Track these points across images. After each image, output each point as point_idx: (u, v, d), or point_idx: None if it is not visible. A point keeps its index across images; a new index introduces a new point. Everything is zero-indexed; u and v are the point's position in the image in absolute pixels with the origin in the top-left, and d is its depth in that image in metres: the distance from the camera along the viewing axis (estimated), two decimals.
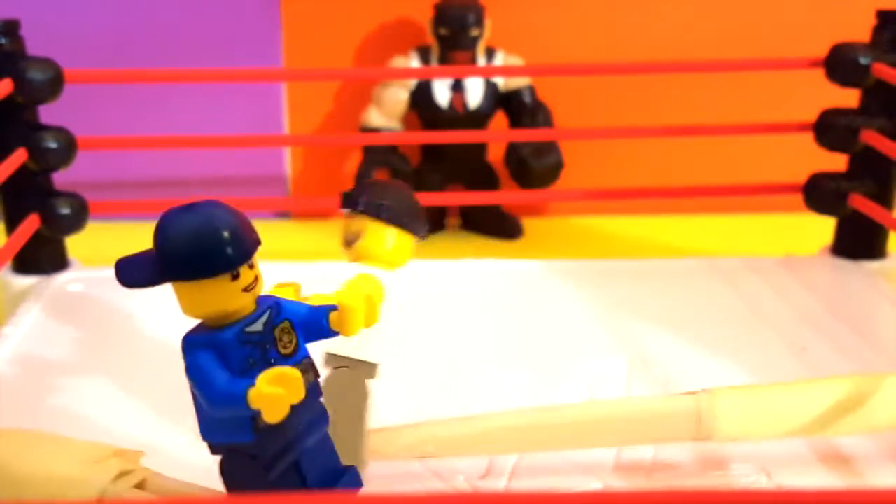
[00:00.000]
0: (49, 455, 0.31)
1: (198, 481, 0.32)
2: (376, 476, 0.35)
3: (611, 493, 0.20)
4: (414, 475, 0.36)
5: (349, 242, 0.33)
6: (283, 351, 0.29)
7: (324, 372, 0.32)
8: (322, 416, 0.31)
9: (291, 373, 0.27)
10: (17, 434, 0.32)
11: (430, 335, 0.46)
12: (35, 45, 0.50)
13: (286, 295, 0.31)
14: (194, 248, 0.27)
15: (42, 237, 0.51)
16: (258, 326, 0.29)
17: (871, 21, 0.53)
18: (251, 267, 0.28)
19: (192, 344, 0.28)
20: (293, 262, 0.55)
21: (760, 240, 0.64)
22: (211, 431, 0.29)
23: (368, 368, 0.33)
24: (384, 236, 0.33)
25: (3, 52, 0.48)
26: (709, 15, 0.66)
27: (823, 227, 0.56)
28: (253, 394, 0.27)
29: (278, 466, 0.29)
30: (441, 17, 0.62)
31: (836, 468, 0.37)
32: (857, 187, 0.53)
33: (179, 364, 0.44)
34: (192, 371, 0.28)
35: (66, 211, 0.51)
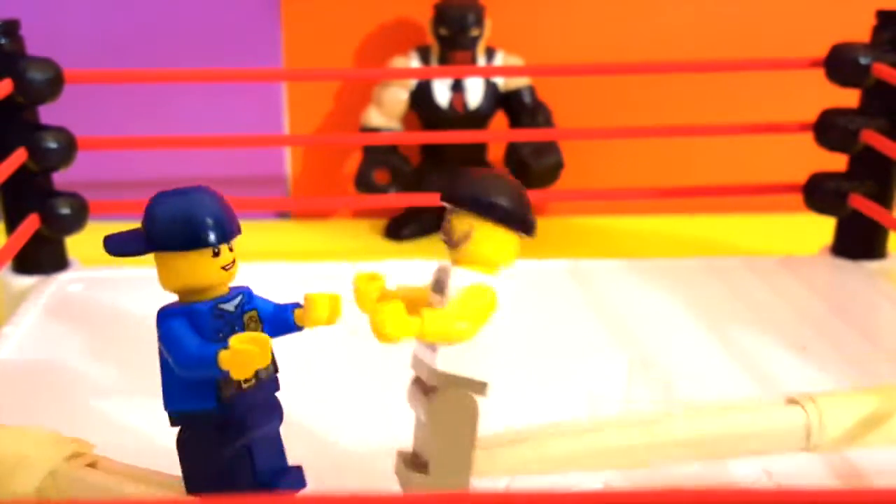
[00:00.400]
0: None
1: None
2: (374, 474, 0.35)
3: (611, 493, 0.20)
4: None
5: (456, 243, 0.30)
6: None
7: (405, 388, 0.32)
8: (275, 413, 0.32)
9: (262, 336, 0.29)
10: None
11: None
12: (35, 45, 0.50)
13: (372, 288, 0.31)
14: (183, 220, 0.30)
15: (42, 237, 0.51)
16: (230, 307, 0.31)
17: (871, 21, 0.53)
18: (231, 249, 0.30)
19: (167, 314, 0.30)
20: (293, 263, 0.55)
21: (760, 240, 0.64)
22: (175, 399, 0.30)
23: (479, 387, 0.31)
24: (494, 238, 0.30)
25: (3, 52, 0.48)
26: (709, 15, 0.66)
27: (823, 227, 0.56)
28: (224, 353, 0.28)
29: (233, 444, 0.30)
30: (441, 17, 0.62)
31: (836, 468, 0.37)
32: (857, 187, 0.53)
33: None
34: (165, 336, 0.30)
35: (66, 211, 0.51)
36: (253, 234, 0.66)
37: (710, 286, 0.52)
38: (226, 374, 0.28)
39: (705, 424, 0.34)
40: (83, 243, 0.54)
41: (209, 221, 0.30)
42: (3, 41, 0.48)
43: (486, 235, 0.30)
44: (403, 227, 0.65)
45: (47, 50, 0.50)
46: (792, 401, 0.35)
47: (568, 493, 0.20)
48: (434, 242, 0.65)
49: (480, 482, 0.34)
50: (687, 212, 0.68)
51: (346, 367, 0.44)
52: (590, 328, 0.48)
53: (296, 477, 0.32)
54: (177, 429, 0.31)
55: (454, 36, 0.62)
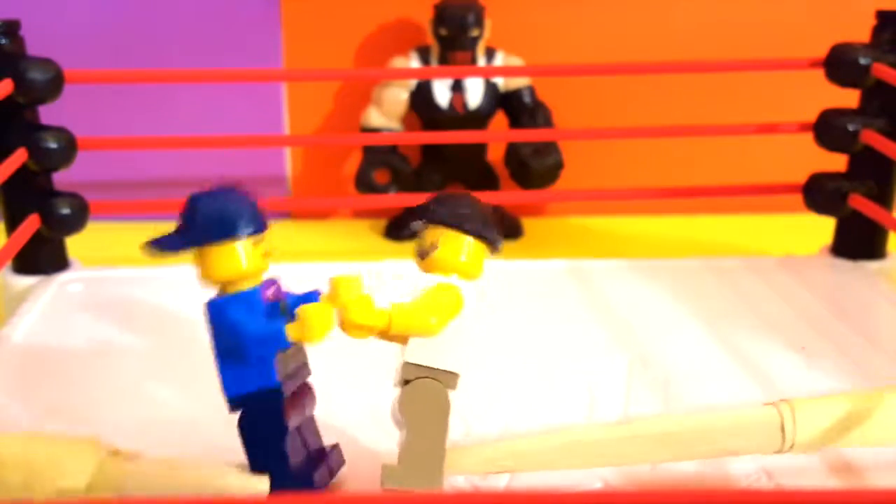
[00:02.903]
0: (26, 444, 0.31)
1: None
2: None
3: (611, 493, 0.20)
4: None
5: (424, 253, 0.32)
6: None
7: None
8: (313, 396, 0.34)
9: (327, 304, 0.31)
10: None
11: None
12: (35, 45, 0.50)
13: (351, 287, 0.32)
14: (222, 212, 0.31)
15: (42, 237, 0.51)
16: (269, 294, 0.32)
17: (871, 21, 0.53)
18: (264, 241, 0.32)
19: (219, 303, 0.32)
20: (293, 263, 0.55)
21: (760, 240, 0.64)
22: (235, 384, 0.32)
23: (449, 378, 0.32)
24: (461, 246, 0.32)
25: (3, 52, 0.48)
26: (709, 15, 0.66)
27: (823, 227, 0.56)
28: (293, 323, 0.30)
29: (292, 420, 0.32)
30: (441, 17, 0.62)
31: (836, 468, 0.37)
32: (857, 187, 0.53)
33: (179, 363, 0.45)
34: (223, 321, 0.31)
35: (66, 211, 0.51)
36: None
37: (710, 286, 0.52)
38: (290, 346, 0.31)
39: (680, 422, 0.35)
40: (83, 243, 0.54)
41: (247, 211, 0.31)
42: (3, 41, 0.48)
43: (452, 244, 0.32)
44: (403, 227, 0.65)
45: (47, 50, 0.50)
46: (769, 403, 0.35)
47: (568, 493, 0.20)
48: None
49: (453, 478, 0.35)
50: (687, 212, 0.68)
51: (345, 366, 0.44)
52: (590, 328, 0.48)
53: (338, 454, 0.35)
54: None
55: (454, 36, 0.61)
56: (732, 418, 0.34)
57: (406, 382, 0.32)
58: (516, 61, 0.64)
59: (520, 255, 0.56)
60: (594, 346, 0.46)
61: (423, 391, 0.32)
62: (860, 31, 0.53)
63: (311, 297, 0.33)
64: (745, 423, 0.34)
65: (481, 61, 0.63)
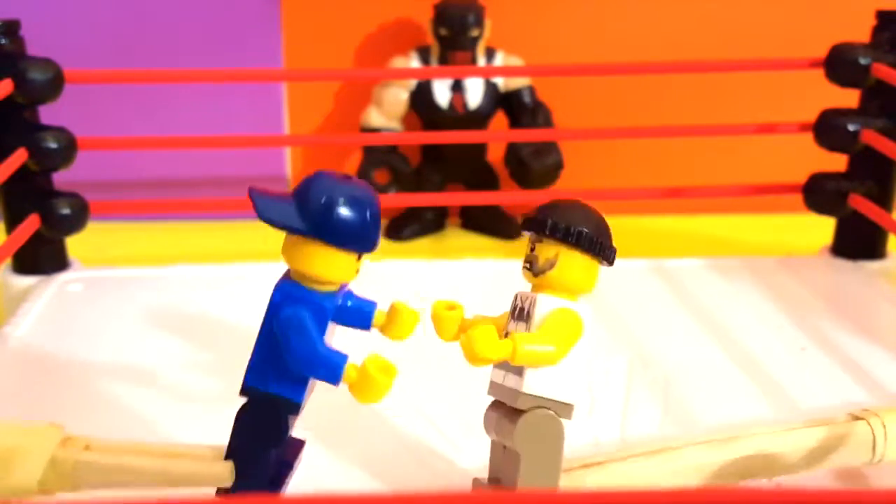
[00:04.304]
0: None
1: None
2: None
3: (611, 493, 0.20)
4: (411, 474, 0.36)
5: (539, 271, 0.31)
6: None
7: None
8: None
9: (393, 367, 0.29)
10: None
11: (429, 335, 0.46)
12: (35, 45, 0.50)
13: (451, 316, 0.32)
14: (358, 222, 0.30)
15: (42, 237, 0.51)
16: (338, 302, 0.31)
17: (871, 21, 0.53)
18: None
19: (294, 298, 0.30)
20: None
21: (760, 240, 0.64)
22: (264, 379, 0.30)
23: (565, 409, 0.31)
24: (578, 265, 0.31)
25: (3, 52, 0.48)
26: (709, 15, 0.66)
27: (823, 227, 0.56)
28: (354, 371, 0.29)
29: (290, 428, 0.31)
30: (441, 17, 0.62)
31: (836, 467, 0.37)
32: (857, 187, 0.53)
33: (179, 363, 0.44)
34: (292, 325, 0.29)
35: (66, 211, 0.51)
36: (253, 234, 0.66)
37: (710, 286, 0.52)
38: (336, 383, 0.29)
39: (776, 441, 0.34)
40: (83, 243, 0.54)
41: (377, 228, 0.30)
42: (3, 41, 0.48)
43: (570, 263, 0.31)
44: (403, 227, 0.65)
45: (47, 50, 0.50)
46: (855, 416, 0.35)
47: (568, 493, 0.20)
48: (434, 242, 0.65)
49: None
50: (687, 212, 0.68)
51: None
52: (590, 328, 0.48)
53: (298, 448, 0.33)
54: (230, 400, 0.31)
55: (454, 36, 0.61)
56: (826, 435, 0.34)
57: (519, 412, 0.31)
58: (516, 61, 0.64)
59: (520, 255, 0.56)
60: (594, 346, 0.46)
61: (540, 422, 0.31)
62: (860, 31, 0.53)
63: (368, 305, 0.32)
64: (838, 439, 0.34)
65: (481, 61, 0.63)
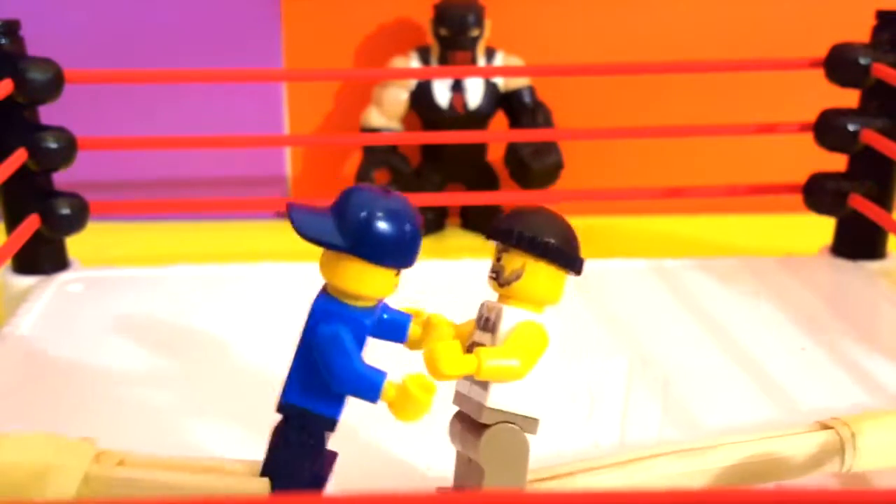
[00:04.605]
0: (13, 450, 0.30)
1: None
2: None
3: (611, 493, 0.20)
4: (409, 476, 0.37)
5: (505, 282, 0.30)
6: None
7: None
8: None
9: (433, 385, 0.29)
10: None
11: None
12: (35, 45, 0.50)
13: (445, 328, 0.31)
14: (397, 239, 0.29)
15: (42, 237, 0.51)
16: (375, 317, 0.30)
17: (871, 21, 0.53)
18: None
19: (336, 314, 0.29)
20: (293, 263, 0.55)
21: (760, 240, 0.64)
22: (302, 395, 0.30)
23: (530, 423, 0.31)
24: (546, 276, 0.31)
25: (3, 52, 0.48)
26: (709, 15, 0.66)
27: (823, 227, 0.56)
28: (393, 389, 0.28)
29: (326, 443, 0.31)
30: (441, 17, 0.62)
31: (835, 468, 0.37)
32: (857, 187, 0.53)
33: (178, 362, 0.45)
34: (331, 342, 0.29)
35: (66, 211, 0.51)
36: (253, 234, 0.66)
37: (711, 286, 0.52)
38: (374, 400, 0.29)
39: (745, 450, 0.34)
40: (83, 243, 0.54)
41: (417, 243, 0.30)
42: (3, 41, 0.48)
43: (537, 274, 0.30)
44: None
45: (47, 50, 0.50)
46: (824, 425, 0.35)
47: (568, 493, 0.20)
48: (434, 242, 0.65)
49: None
50: (687, 212, 0.68)
51: None
52: (590, 328, 0.48)
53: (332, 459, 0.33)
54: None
55: (454, 36, 0.61)
56: (792, 445, 0.34)
57: (484, 426, 0.30)
58: (516, 61, 0.64)
59: None
60: (594, 346, 0.46)
61: (504, 437, 0.30)
62: (860, 31, 0.53)
63: (404, 317, 0.31)
64: (804, 450, 0.34)
65: (481, 61, 0.63)
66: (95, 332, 0.47)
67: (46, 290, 0.50)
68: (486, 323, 0.31)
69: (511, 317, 0.30)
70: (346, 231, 0.29)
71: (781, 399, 0.42)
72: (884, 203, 0.53)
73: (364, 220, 0.29)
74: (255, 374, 0.43)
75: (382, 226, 0.29)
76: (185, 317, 0.48)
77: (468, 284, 0.52)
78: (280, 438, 0.31)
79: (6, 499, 0.30)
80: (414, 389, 0.28)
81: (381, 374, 0.29)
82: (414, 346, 0.32)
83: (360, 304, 0.30)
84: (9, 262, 0.52)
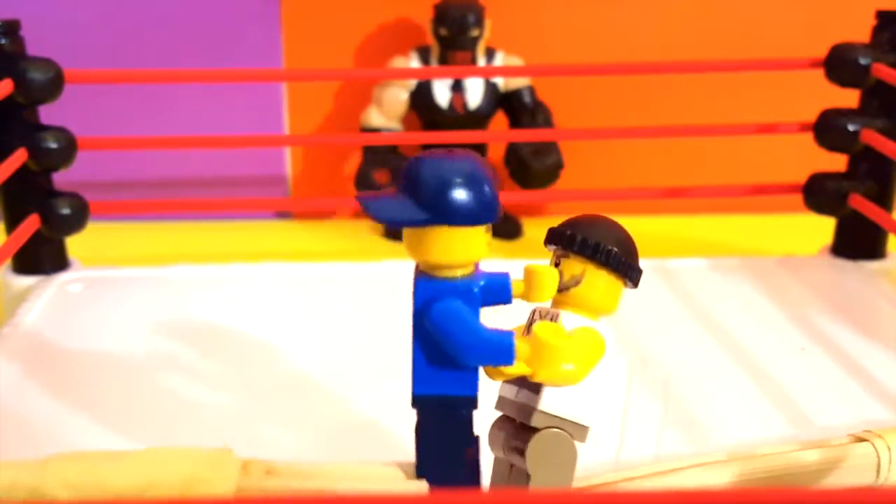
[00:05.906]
0: (153, 468, 0.28)
1: None
2: None
3: (611, 493, 0.20)
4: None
5: (565, 287, 0.30)
6: None
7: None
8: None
9: (564, 330, 0.28)
10: (92, 455, 0.29)
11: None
12: (35, 45, 0.50)
13: (548, 274, 0.30)
14: (475, 194, 0.28)
15: (42, 237, 0.51)
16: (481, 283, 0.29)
17: (871, 21, 0.53)
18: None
19: (442, 290, 0.28)
20: (293, 262, 0.55)
21: (760, 240, 0.64)
22: (432, 383, 0.29)
23: (581, 431, 0.30)
24: (605, 284, 0.30)
25: (3, 52, 0.48)
26: (709, 15, 0.66)
27: (823, 227, 0.56)
28: (526, 344, 0.28)
29: (473, 424, 0.30)
30: (441, 17, 0.62)
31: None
32: (857, 187, 0.53)
33: (178, 363, 0.44)
34: (448, 316, 0.28)
35: (66, 211, 0.51)
36: (253, 234, 0.66)
37: (711, 286, 0.52)
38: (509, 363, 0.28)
39: (777, 462, 0.34)
40: (83, 243, 0.54)
41: (496, 194, 0.28)
42: (3, 41, 0.48)
43: (596, 281, 0.30)
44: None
45: (47, 50, 0.50)
46: (858, 438, 0.35)
47: (568, 493, 0.20)
48: None
49: None
50: (687, 212, 0.68)
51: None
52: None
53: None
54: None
55: (454, 36, 0.61)
56: (825, 457, 0.34)
57: (532, 430, 0.30)
58: (516, 61, 0.64)
59: (520, 255, 0.56)
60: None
61: (553, 441, 0.30)
62: (860, 31, 0.53)
63: (502, 277, 0.30)
64: (838, 462, 0.34)
65: (481, 61, 0.63)
66: (95, 332, 0.47)
67: (46, 290, 0.50)
68: None
69: (569, 323, 0.30)
70: (427, 203, 0.28)
71: (781, 399, 0.42)
72: (884, 203, 0.53)
73: (440, 188, 0.28)
74: (256, 374, 0.43)
75: (460, 188, 0.28)
76: (186, 317, 0.48)
77: None
78: (426, 433, 0.29)
79: (20, 498, 0.28)
80: (547, 337, 0.28)
81: (509, 334, 0.28)
82: (525, 299, 0.31)
83: (460, 273, 0.29)
84: (9, 262, 0.52)
